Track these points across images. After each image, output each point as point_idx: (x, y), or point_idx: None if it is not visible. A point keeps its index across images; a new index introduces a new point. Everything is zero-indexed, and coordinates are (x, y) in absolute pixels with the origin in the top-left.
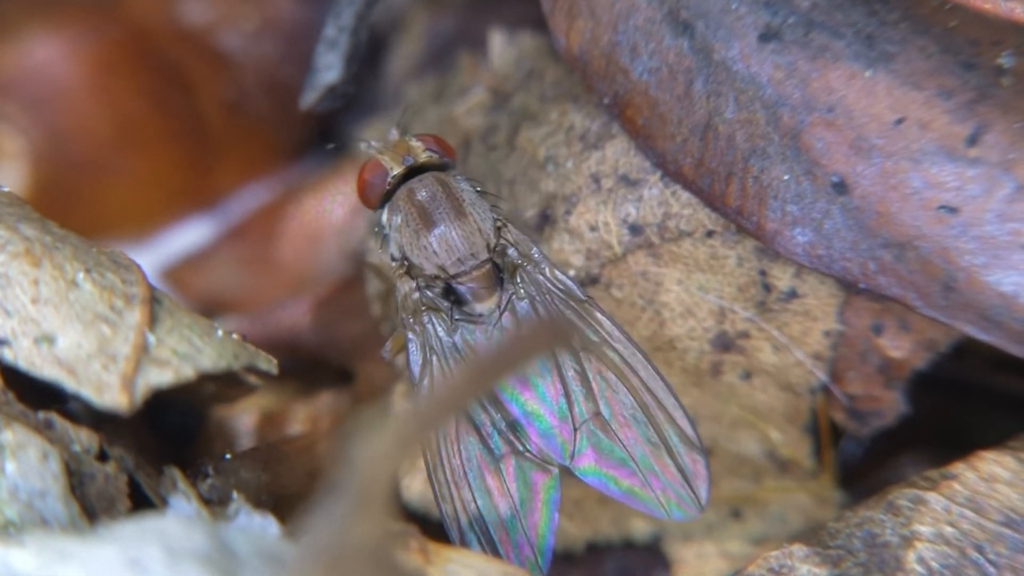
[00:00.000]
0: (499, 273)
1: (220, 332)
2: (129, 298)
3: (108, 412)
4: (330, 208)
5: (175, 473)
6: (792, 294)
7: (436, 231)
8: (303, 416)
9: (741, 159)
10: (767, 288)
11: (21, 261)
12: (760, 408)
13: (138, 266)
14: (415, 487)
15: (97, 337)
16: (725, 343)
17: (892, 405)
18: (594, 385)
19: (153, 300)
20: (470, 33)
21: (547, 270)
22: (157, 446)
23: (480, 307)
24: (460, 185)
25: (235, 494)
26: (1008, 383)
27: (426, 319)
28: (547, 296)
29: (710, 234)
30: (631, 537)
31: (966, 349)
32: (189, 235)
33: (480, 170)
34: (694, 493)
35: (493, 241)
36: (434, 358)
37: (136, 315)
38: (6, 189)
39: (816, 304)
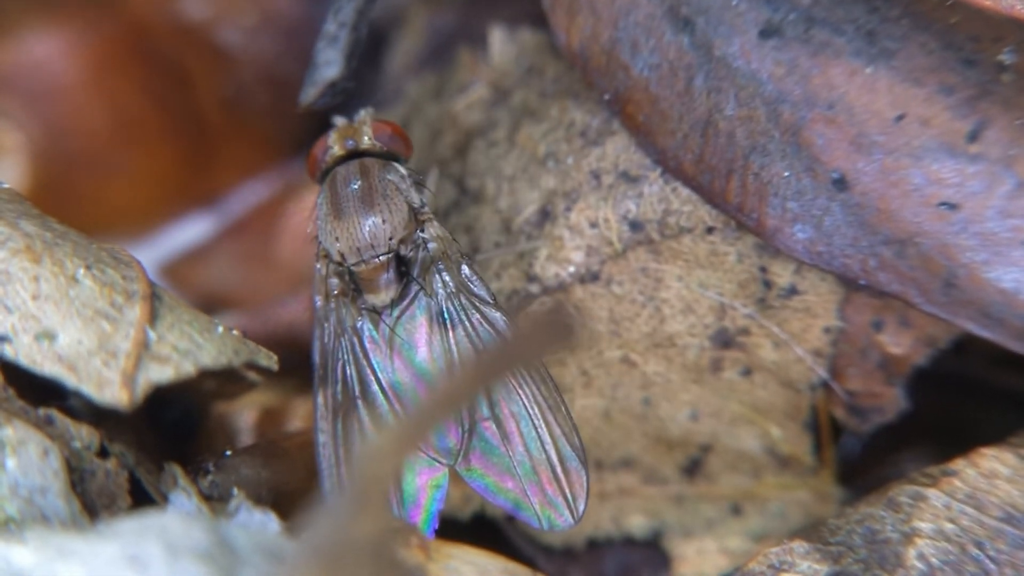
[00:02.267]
0: (402, 268)
1: (220, 328)
2: (129, 294)
3: (108, 408)
4: None
5: (175, 470)
6: (792, 291)
7: (340, 217)
8: (303, 412)
9: (741, 156)
10: (767, 285)
11: (21, 258)
12: (760, 404)
13: (138, 262)
14: None
15: (97, 333)
16: (725, 339)
17: (892, 401)
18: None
19: (153, 296)
20: (470, 29)
21: (463, 270)
22: (157, 443)
23: (374, 299)
24: (385, 175)
25: (235, 490)
26: (1008, 379)
27: (333, 305)
28: (454, 298)
29: (710, 231)
30: (631, 534)
31: (966, 345)
32: (189, 231)
33: (480, 166)
34: (570, 506)
35: (400, 235)
36: (339, 343)
37: (136, 311)
38: (6, 185)
39: (816, 301)
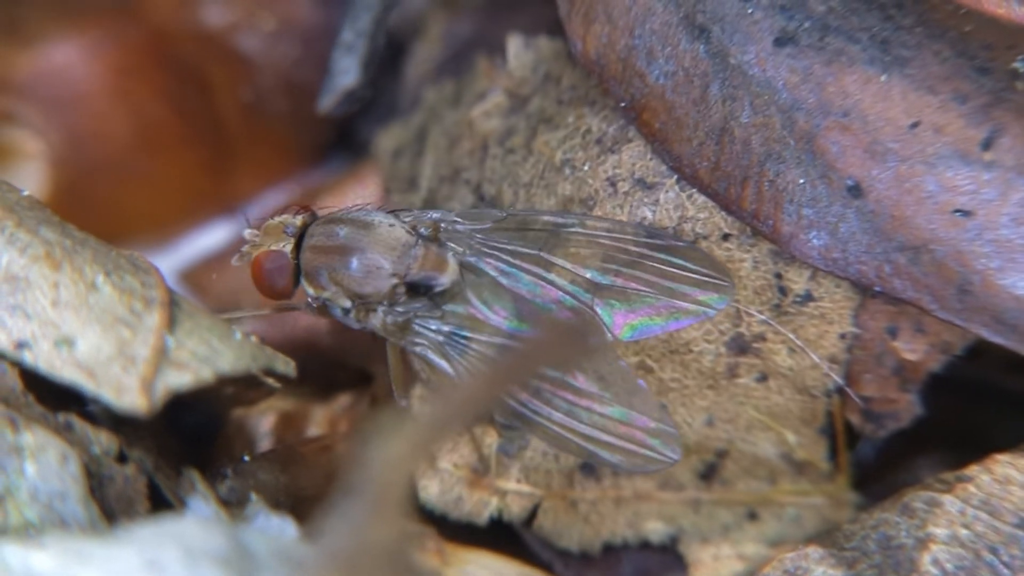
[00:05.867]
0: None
1: (238, 334)
2: (148, 301)
3: (127, 414)
4: None
5: (194, 475)
6: (808, 297)
7: (361, 257)
8: (321, 418)
9: (757, 163)
10: (783, 291)
11: (41, 264)
12: (776, 410)
13: (157, 269)
14: (432, 488)
15: (116, 340)
16: (741, 346)
17: (907, 407)
18: (570, 264)
19: (172, 303)
20: (487, 37)
21: (459, 220)
22: (176, 448)
23: (448, 276)
24: (341, 210)
25: (253, 496)
26: (1022, 385)
27: (417, 327)
28: (474, 241)
29: (726, 237)
30: (648, 538)
31: (981, 352)
32: (208, 238)
33: (497, 173)
34: (719, 281)
35: (407, 224)
36: (449, 351)
37: (155, 318)
38: (26, 192)
39: (831, 307)
